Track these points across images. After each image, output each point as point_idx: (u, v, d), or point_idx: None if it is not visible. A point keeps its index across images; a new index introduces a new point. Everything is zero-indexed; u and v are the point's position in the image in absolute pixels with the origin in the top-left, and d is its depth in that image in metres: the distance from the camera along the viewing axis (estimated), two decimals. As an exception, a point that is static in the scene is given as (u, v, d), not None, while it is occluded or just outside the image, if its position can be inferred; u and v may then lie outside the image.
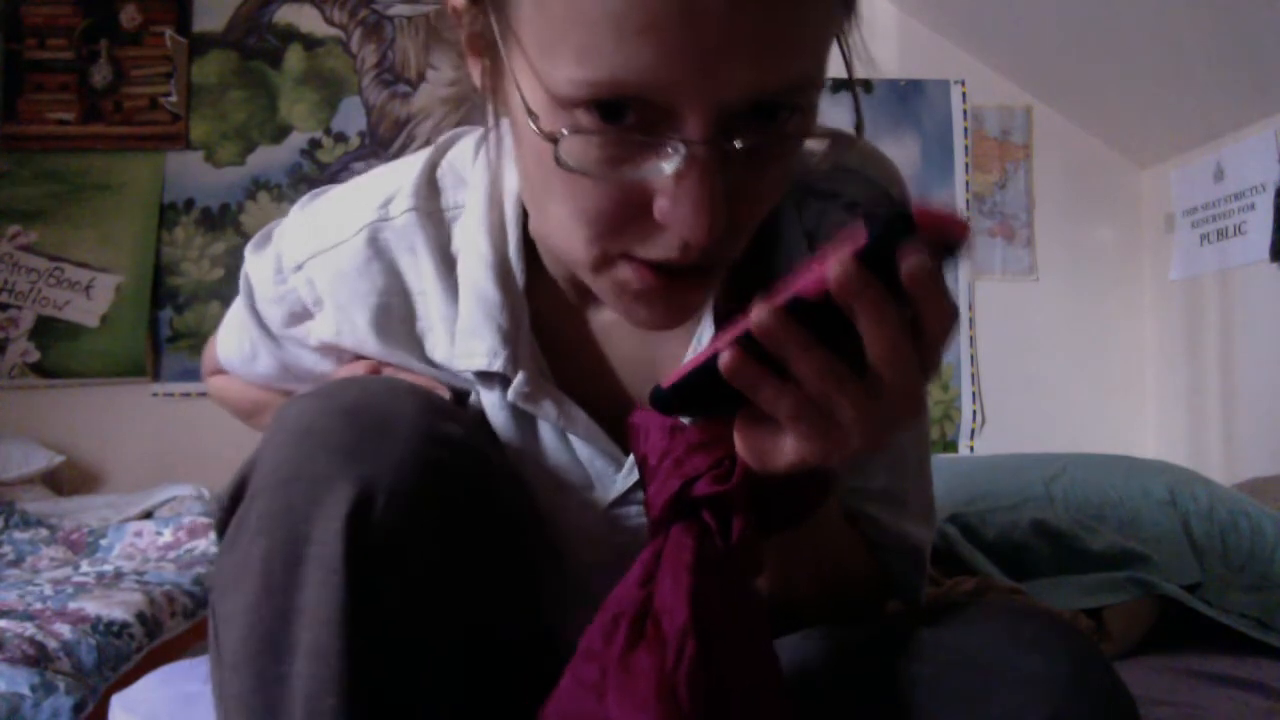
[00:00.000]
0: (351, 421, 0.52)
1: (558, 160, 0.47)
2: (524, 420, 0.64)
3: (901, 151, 3.03)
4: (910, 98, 3.05)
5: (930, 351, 0.43)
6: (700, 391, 0.47)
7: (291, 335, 0.71)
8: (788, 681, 0.58)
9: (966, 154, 3.06)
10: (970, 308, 3.04)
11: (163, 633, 1.68)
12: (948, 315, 0.42)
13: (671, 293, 0.52)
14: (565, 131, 0.46)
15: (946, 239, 0.41)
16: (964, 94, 3.06)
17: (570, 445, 0.64)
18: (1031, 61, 2.95)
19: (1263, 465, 2.36)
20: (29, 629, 1.47)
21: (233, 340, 0.79)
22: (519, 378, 0.62)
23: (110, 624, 1.57)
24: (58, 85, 2.90)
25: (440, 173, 0.67)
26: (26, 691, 1.34)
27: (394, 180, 0.67)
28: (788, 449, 0.47)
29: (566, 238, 0.52)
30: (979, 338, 3.04)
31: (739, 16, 0.43)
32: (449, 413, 0.57)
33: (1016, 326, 3.04)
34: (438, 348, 0.66)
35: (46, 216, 2.86)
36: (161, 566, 2.01)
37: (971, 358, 3.03)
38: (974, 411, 3.02)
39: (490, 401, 0.65)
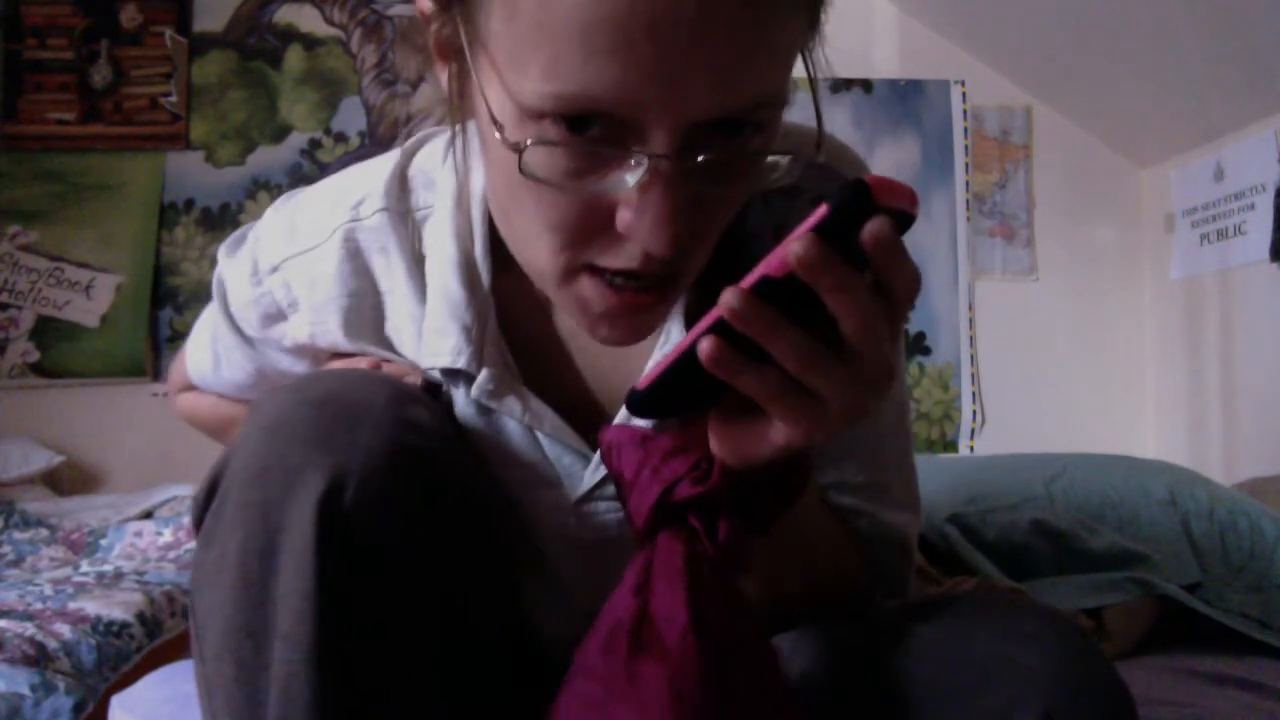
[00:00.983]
0: (322, 412, 0.52)
1: (522, 170, 0.47)
2: (491, 418, 0.65)
3: (901, 151, 3.03)
4: (910, 98, 3.05)
5: (898, 316, 0.44)
6: (676, 389, 0.47)
7: (267, 337, 0.71)
8: (785, 679, 0.58)
9: (966, 154, 3.06)
10: (970, 308, 3.04)
11: (163, 633, 1.68)
12: (912, 278, 0.43)
13: (632, 311, 0.53)
14: (530, 142, 0.47)
15: (900, 209, 0.41)
16: (964, 94, 3.06)
17: (538, 442, 0.65)
18: (1031, 61, 2.95)
19: (1263, 465, 2.36)
20: (29, 629, 1.47)
21: (204, 349, 0.79)
22: (483, 375, 0.62)
23: (110, 624, 1.57)
24: (58, 85, 2.90)
25: (410, 174, 0.68)
26: (26, 691, 1.34)
27: (365, 182, 0.68)
28: (771, 435, 0.47)
29: (531, 248, 0.53)
30: (979, 338, 3.04)
31: (706, 36, 0.44)
32: (420, 400, 0.58)
33: (1016, 326, 3.04)
34: (406, 347, 0.66)
35: (46, 216, 2.86)
36: (161, 566, 2.01)
37: (971, 358, 3.03)
38: (974, 411, 3.02)
39: (458, 399, 0.65)
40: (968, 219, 3.05)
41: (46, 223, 2.85)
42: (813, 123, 0.55)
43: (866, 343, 0.43)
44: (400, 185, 0.67)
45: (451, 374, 0.64)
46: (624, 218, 0.48)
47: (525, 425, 0.64)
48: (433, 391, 0.65)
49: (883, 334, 0.43)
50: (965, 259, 3.04)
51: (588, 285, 0.53)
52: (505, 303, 0.65)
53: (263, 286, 0.68)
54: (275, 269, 0.68)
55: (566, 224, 0.50)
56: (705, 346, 0.43)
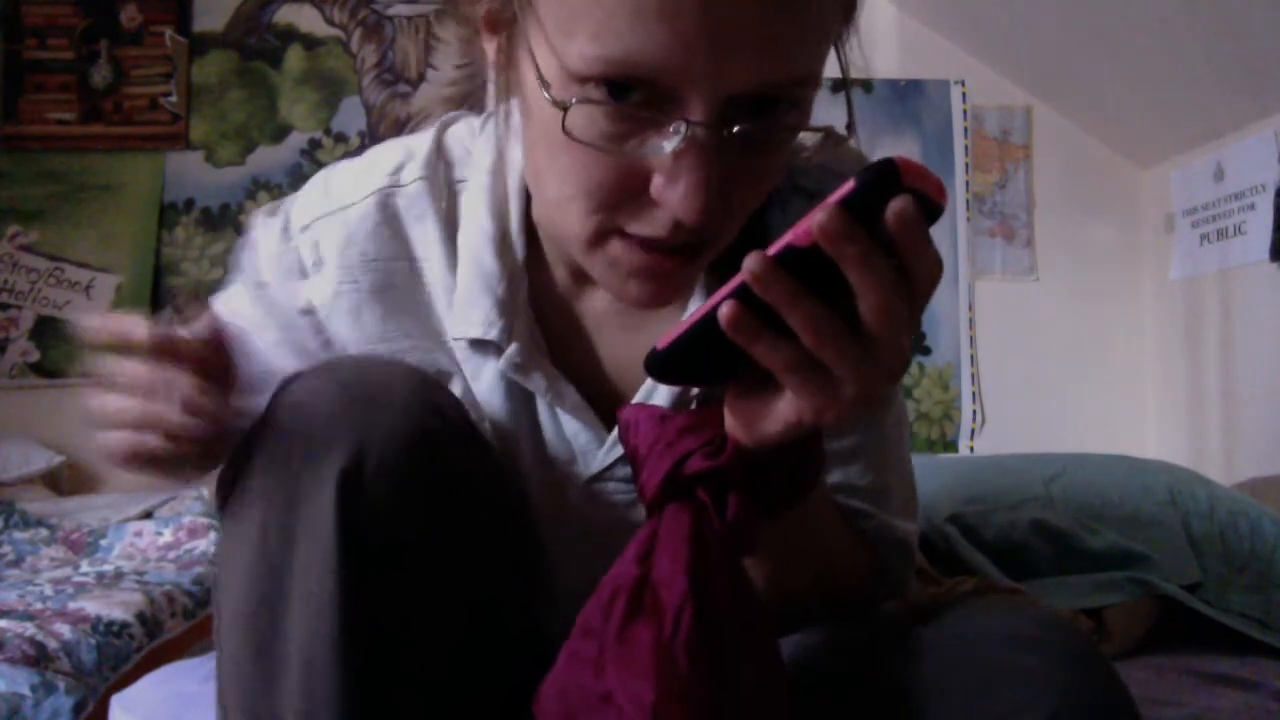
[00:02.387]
0: (345, 392, 0.53)
1: (565, 129, 0.49)
2: (514, 392, 0.65)
3: (901, 151, 3.02)
4: (910, 98, 3.05)
5: (917, 302, 0.44)
6: (695, 353, 0.47)
7: (282, 292, 0.69)
8: (791, 678, 0.58)
9: (966, 154, 3.06)
10: (970, 308, 3.04)
11: (163, 633, 1.68)
12: (933, 264, 0.43)
13: (661, 270, 0.54)
14: (574, 101, 0.48)
15: (928, 197, 0.42)
16: (964, 94, 3.06)
17: (557, 419, 0.66)
18: (1031, 61, 2.95)
19: (1263, 465, 2.36)
20: (29, 629, 1.47)
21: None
22: (513, 348, 0.63)
23: (110, 624, 1.57)
24: (58, 85, 2.90)
25: (448, 146, 0.69)
26: (26, 691, 1.34)
27: (405, 151, 0.68)
28: (782, 410, 0.48)
29: (564, 210, 0.54)
30: (979, 338, 3.04)
31: (750, 10, 0.45)
32: (442, 388, 0.58)
33: (1016, 326, 3.04)
34: (435, 317, 0.66)
35: (46, 216, 2.85)
36: (161, 566, 2.01)
37: (971, 358, 3.03)
38: (974, 411, 3.02)
39: (483, 371, 0.65)
40: (968, 219, 3.05)
41: (46, 223, 2.85)
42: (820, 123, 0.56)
43: (883, 323, 0.43)
44: (440, 156, 0.68)
45: (478, 346, 0.64)
46: (658, 184, 0.50)
47: (547, 401, 0.65)
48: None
49: (901, 318, 0.43)
50: (965, 259, 3.03)
51: (617, 245, 0.54)
52: (533, 282, 0.66)
53: (291, 243, 0.68)
54: (306, 228, 0.68)
55: (601, 188, 0.51)
56: (725, 309, 0.43)
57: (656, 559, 0.50)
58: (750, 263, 0.42)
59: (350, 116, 2.96)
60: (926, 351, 3.03)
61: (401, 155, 0.68)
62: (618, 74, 0.47)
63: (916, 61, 3.04)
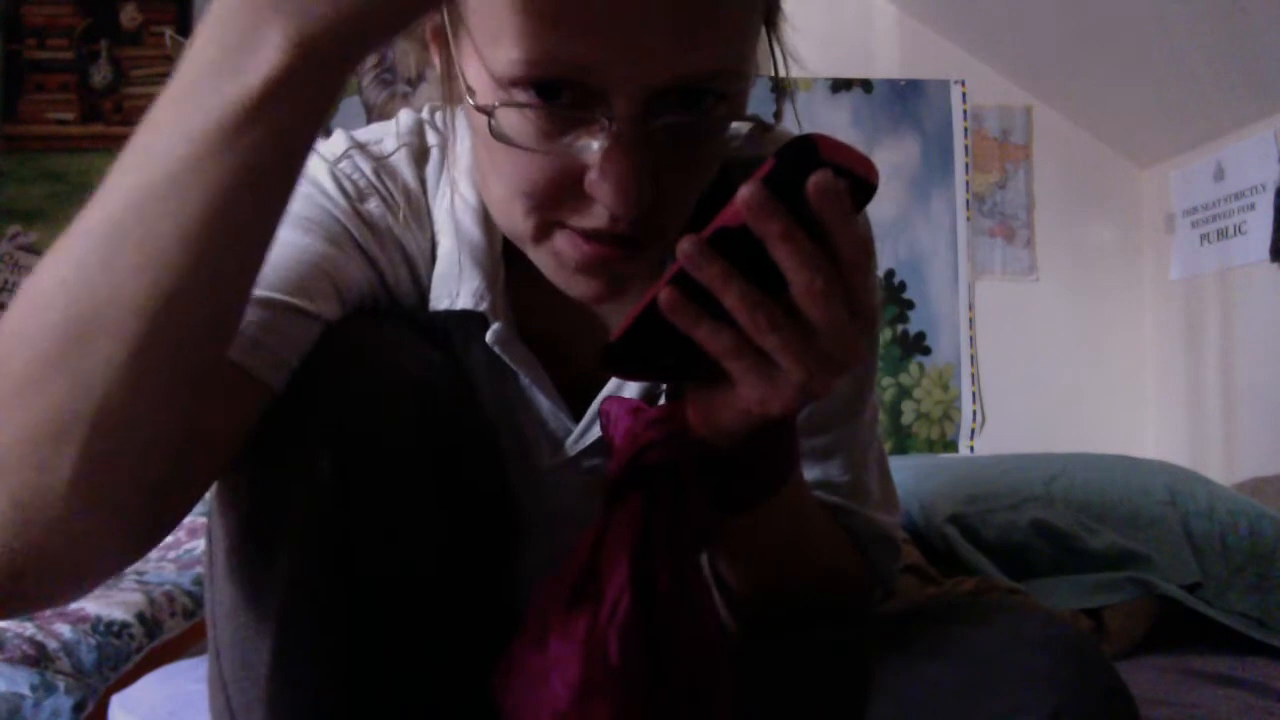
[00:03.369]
0: (333, 345, 0.54)
1: (495, 133, 0.50)
2: (493, 369, 0.65)
3: (901, 152, 3.03)
4: (910, 98, 3.05)
5: (851, 283, 0.44)
6: (650, 345, 0.48)
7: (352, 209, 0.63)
8: (790, 678, 0.59)
9: (966, 154, 3.06)
10: (970, 308, 3.04)
11: (163, 633, 1.68)
12: (857, 241, 0.43)
13: (605, 262, 0.54)
14: (498, 104, 0.50)
15: (855, 174, 0.42)
16: (964, 94, 3.06)
17: (531, 400, 0.66)
18: (1031, 61, 2.95)
19: (1263, 465, 2.36)
20: (29, 629, 1.47)
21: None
22: (499, 324, 0.63)
23: (110, 624, 1.57)
24: (58, 85, 2.90)
25: (430, 125, 0.69)
26: (26, 691, 1.34)
27: (386, 127, 0.69)
28: (734, 399, 0.48)
29: (509, 210, 0.55)
30: (979, 338, 3.04)
31: (664, 6, 0.46)
32: (433, 344, 0.59)
33: (1016, 326, 3.04)
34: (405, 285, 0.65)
35: (46, 216, 2.85)
36: (161, 566, 2.01)
37: (971, 358, 3.03)
38: (974, 411, 3.02)
39: (462, 346, 0.65)
40: (968, 219, 3.05)
41: (46, 223, 2.85)
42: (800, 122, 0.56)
43: (812, 304, 0.43)
44: (421, 133, 0.68)
45: (461, 318, 0.64)
46: (590, 179, 0.51)
47: (526, 381, 0.65)
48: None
49: (830, 298, 0.43)
50: (965, 259, 3.03)
51: (561, 239, 0.55)
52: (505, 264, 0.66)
53: (349, 161, 0.64)
54: (361, 146, 0.66)
55: (538, 186, 0.52)
56: (663, 294, 0.44)
57: (607, 546, 0.51)
58: (684, 244, 0.43)
59: (350, 116, 2.95)
60: (926, 351, 3.03)
61: (381, 131, 0.68)
62: (541, 76, 0.49)
63: (916, 61, 3.04)
